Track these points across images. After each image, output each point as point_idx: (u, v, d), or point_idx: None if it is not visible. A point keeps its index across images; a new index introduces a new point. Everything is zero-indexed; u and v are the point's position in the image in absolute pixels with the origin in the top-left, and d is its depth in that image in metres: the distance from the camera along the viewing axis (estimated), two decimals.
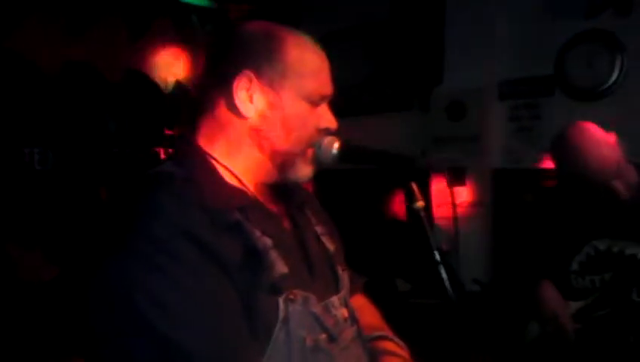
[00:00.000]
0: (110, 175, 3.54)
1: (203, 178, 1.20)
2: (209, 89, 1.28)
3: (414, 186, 1.26)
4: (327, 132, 1.31)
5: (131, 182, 1.25)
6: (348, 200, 3.80)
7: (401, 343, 1.42)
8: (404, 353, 1.38)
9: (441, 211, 3.76)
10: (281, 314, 1.15)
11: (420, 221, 1.25)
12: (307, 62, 1.26)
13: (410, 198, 1.26)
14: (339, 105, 4.27)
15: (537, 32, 3.47)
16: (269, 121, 1.24)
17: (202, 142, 1.27)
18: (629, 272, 2.24)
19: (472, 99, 3.59)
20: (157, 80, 3.88)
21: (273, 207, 1.31)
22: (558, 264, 2.38)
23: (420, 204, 1.25)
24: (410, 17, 3.83)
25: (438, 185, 3.75)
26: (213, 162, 1.25)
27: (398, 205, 3.98)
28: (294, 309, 1.17)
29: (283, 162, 1.26)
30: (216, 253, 1.09)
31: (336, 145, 1.30)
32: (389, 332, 1.45)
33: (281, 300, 1.15)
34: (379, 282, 3.51)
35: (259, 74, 1.22)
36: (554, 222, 2.44)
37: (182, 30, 4.03)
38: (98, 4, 3.65)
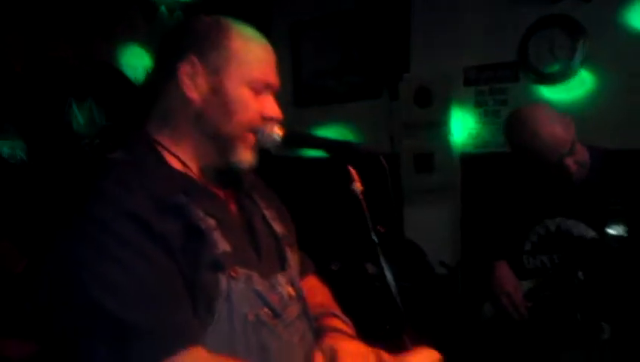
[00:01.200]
0: (79, 167, 3.55)
1: (148, 163, 1.26)
2: (158, 76, 1.34)
3: (352, 170, 1.30)
4: (271, 121, 1.35)
5: (81, 169, 1.30)
6: (315, 186, 3.83)
7: (346, 320, 1.48)
8: (348, 329, 1.43)
9: (410, 197, 3.82)
10: (223, 290, 1.20)
11: (359, 203, 1.29)
12: (250, 51, 1.31)
13: (349, 181, 1.30)
14: (309, 93, 4.27)
15: (502, 18, 3.51)
16: (211, 105, 1.29)
17: (151, 128, 1.33)
18: (575, 253, 2.31)
19: (438, 85, 3.63)
20: (127, 72, 3.89)
21: (220, 192, 1.36)
22: (513, 244, 2.45)
23: (358, 186, 1.29)
24: (377, 6, 3.86)
25: (408, 172, 3.80)
26: (160, 148, 1.30)
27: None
28: (236, 286, 1.22)
29: (225, 145, 1.32)
30: (159, 232, 1.15)
31: (278, 130, 1.34)
32: (335, 310, 1.50)
33: (223, 277, 1.21)
34: (349, 266, 3.56)
35: (203, 60, 1.29)
36: (510, 202, 2.50)
37: (151, 22, 4.03)
38: None
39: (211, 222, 1.24)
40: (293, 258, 1.45)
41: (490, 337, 2.52)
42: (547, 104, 2.35)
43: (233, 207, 1.38)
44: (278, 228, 1.45)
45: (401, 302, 1.29)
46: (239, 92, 1.29)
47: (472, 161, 3.67)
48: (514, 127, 2.36)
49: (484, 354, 2.58)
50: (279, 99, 1.36)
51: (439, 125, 3.66)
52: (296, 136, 1.36)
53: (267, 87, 1.34)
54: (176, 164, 1.30)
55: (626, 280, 2.22)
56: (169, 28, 1.41)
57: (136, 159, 1.26)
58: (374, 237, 1.29)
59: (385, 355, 1.27)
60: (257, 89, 1.32)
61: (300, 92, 4.20)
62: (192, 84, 1.29)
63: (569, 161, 2.25)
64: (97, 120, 3.80)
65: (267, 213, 1.46)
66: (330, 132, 4.06)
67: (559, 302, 2.33)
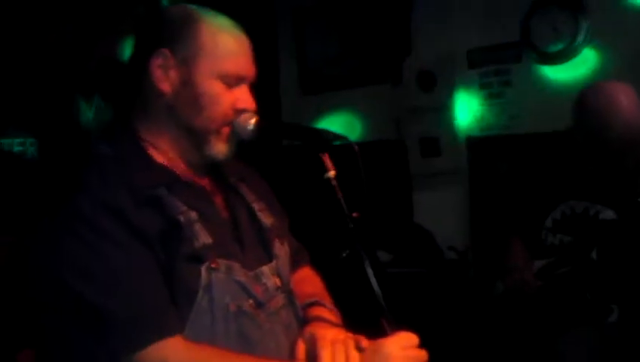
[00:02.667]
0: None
1: (131, 157, 1.29)
2: (135, 69, 1.34)
3: (325, 157, 1.30)
4: (246, 112, 1.35)
5: (69, 163, 1.33)
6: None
7: (333, 309, 1.48)
8: (333, 318, 1.44)
9: (418, 182, 3.81)
10: (204, 281, 1.22)
11: (333, 190, 1.30)
12: (221, 44, 1.31)
13: (322, 169, 1.30)
14: (314, 80, 4.24)
15: None
16: (182, 98, 1.30)
17: (134, 122, 1.36)
18: (591, 233, 2.29)
19: (441, 68, 3.61)
20: None
21: (205, 184, 1.38)
22: (533, 219, 2.42)
23: (332, 173, 1.30)
24: None
25: (414, 157, 3.79)
26: (143, 142, 1.33)
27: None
28: (217, 277, 1.24)
29: (197, 139, 1.33)
30: (136, 224, 1.18)
31: (252, 121, 1.35)
32: (324, 300, 1.50)
33: (203, 268, 1.23)
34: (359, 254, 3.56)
35: (174, 52, 1.29)
36: (534, 180, 2.47)
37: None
38: None
39: (193, 214, 1.25)
40: (281, 249, 1.45)
41: (500, 315, 2.52)
42: (627, 85, 2.25)
43: (219, 200, 1.39)
44: (266, 220, 1.45)
45: (391, 288, 1.30)
46: (210, 85, 1.30)
47: (479, 143, 3.64)
48: (591, 106, 2.24)
49: (493, 333, 2.59)
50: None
51: (444, 109, 3.64)
52: (269, 126, 1.37)
53: (240, 79, 1.33)
54: (159, 158, 1.32)
55: (639, 264, 2.20)
56: (143, 20, 1.41)
57: (120, 153, 1.29)
58: (350, 224, 1.29)
59: (364, 341, 1.28)
60: (229, 82, 1.31)
61: (305, 80, 4.20)
62: (164, 76, 1.29)
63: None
64: (104, 115, 3.85)
65: (255, 206, 1.46)
66: (335, 119, 4.06)
67: (570, 281, 2.31)
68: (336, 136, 1.33)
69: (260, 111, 1.37)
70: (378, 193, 3.99)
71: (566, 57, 3.30)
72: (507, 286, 2.40)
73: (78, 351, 1.16)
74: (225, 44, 1.31)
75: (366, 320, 1.42)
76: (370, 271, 1.26)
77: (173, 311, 1.19)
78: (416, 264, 3.60)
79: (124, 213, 1.17)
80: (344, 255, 3.58)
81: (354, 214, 1.28)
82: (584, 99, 2.29)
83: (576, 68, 3.28)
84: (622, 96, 2.19)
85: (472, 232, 3.63)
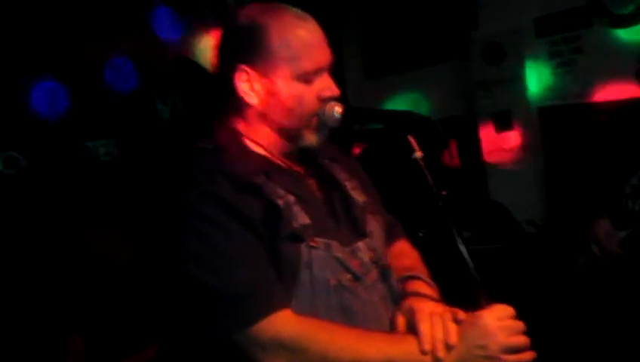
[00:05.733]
0: (168, 157, 3.74)
1: (231, 150, 1.38)
2: (223, 83, 1.42)
3: (411, 139, 1.34)
4: (331, 99, 1.40)
5: (174, 159, 1.44)
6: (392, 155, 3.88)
7: (430, 283, 1.51)
8: (431, 292, 1.47)
9: (491, 157, 3.79)
10: (304, 258, 1.30)
11: (421, 170, 1.33)
12: (292, 44, 1.35)
13: (409, 150, 1.34)
14: (380, 64, 4.27)
15: None
16: (270, 105, 1.37)
17: (230, 120, 1.44)
18: None
19: (509, 40, 3.57)
20: (200, 61, 4.02)
21: (300, 170, 1.45)
22: (613, 187, 2.40)
23: (419, 154, 1.33)
24: None
25: (487, 132, 3.77)
26: (242, 137, 1.42)
27: (449, 154, 4.02)
28: (317, 254, 1.31)
29: (291, 135, 1.40)
30: (239, 210, 1.27)
31: (337, 109, 1.40)
32: (421, 273, 1.54)
33: (303, 247, 1.30)
34: (436, 233, 3.59)
35: (252, 66, 1.36)
36: (609, 147, 2.45)
37: (218, 12, 4.14)
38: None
39: (291, 198, 1.33)
40: (375, 225, 1.50)
41: (584, 288, 2.51)
42: None
43: (313, 183, 1.46)
44: (359, 197, 1.51)
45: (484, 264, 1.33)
46: (291, 88, 1.35)
47: (551, 114, 3.59)
48: None
49: (578, 306, 2.58)
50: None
51: (514, 81, 3.60)
52: (355, 112, 1.41)
53: (318, 71, 1.38)
54: (257, 149, 1.41)
55: None
56: (220, 37, 1.46)
57: (221, 147, 1.38)
58: (440, 203, 1.32)
59: (461, 314, 1.31)
60: (309, 78, 1.36)
61: (370, 64, 4.22)
62: (250, 90, 1.37)
63: None
64: (181, 112, 3.99)
65: (347, 185, 1.52)
66: (403, 100, 4.07)
67: None
68: (421, 118, 1.36)
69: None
70: (452, 171, 4.02)
71: (638, 18, 3.20)
72: (591, 261, 2.39)
73: (195, 330, 1.27)
74: (296, 43, 1.35)
75: (459, 296, 1.46)
76: (462, 247, 1.29)
77: (280, 287, 1.27)
78: (494, 240, 3.60)
79: (227, 200, 1.26)
80: (421, 234, 3.59)
81: (443, 192, 1.31)
82: None
83: None
84: None
85: (549, 204, 3.59)
